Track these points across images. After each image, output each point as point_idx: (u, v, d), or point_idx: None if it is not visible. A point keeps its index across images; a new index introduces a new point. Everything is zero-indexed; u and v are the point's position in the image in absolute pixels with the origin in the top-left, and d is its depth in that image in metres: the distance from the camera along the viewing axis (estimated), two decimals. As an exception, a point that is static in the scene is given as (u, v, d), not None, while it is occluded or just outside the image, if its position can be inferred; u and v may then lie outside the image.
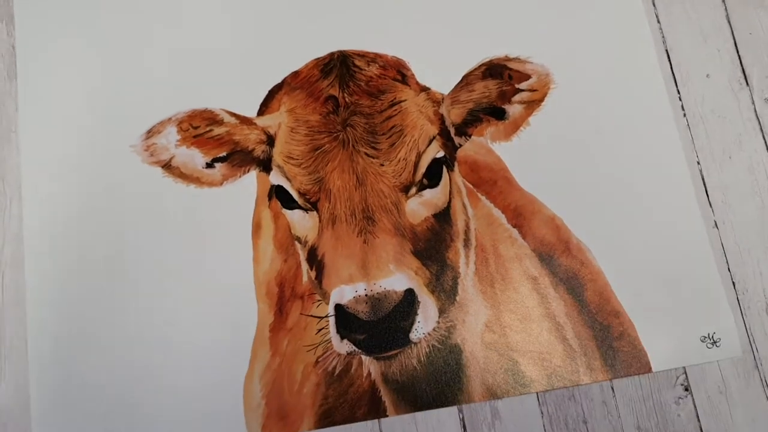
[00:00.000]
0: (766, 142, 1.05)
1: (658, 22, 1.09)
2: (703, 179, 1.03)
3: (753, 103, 1.07)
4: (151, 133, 0.96)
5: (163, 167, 0.95)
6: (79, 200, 0.94)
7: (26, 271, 0.89)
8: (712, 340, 0.96)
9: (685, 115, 1.06)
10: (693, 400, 0.95)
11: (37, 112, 0.96)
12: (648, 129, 1.04)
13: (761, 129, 1.06)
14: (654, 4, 1.10)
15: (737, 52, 1.09)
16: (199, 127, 0.96)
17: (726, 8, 1.10)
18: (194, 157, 0.96)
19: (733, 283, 0.99)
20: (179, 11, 1.05)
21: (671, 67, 1.07)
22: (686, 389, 0.95)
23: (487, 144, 1.03)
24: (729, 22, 1.10)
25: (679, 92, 1.07)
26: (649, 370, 0.95)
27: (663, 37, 1.08)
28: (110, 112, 0.99)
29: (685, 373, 0.96)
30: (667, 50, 1.08)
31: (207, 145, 0.96)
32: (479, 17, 1.09)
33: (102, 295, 0.92)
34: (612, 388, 0.95)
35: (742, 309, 0.99)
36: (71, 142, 0.97)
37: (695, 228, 1.00)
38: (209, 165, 0.96)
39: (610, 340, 0.96)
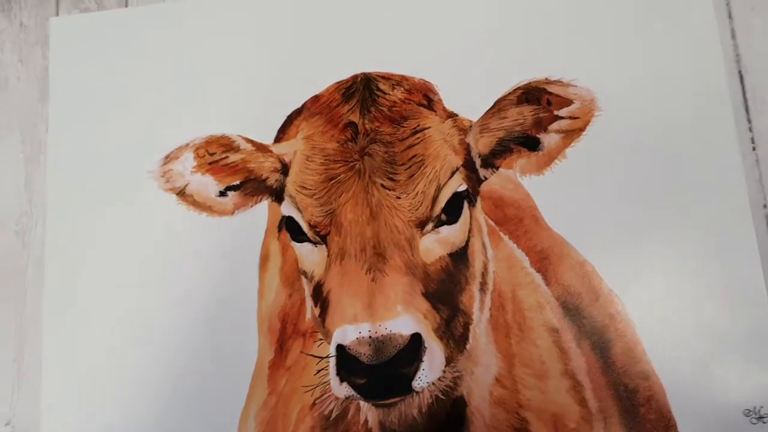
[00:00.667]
0: None
1: (733, 38, 0.94)
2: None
3: None
4: (168, 158, 0.96)
5: (177, 194, 0.95)
6: (100, 225, 0.97)
7: (45, 295, 0.94)
8: (758, 415, 0.85)
9: (755, 149, 0.92)
10: (729, 482, 0.84)
11: (67, 136, 0.99)
12: (706, 164, 0.91)
13: None
14: (730, 16, 0.95)
15: (827, 73, 0.92)
16: (215, 153, 0.95)
17: (819, 19, 0.94)
18: (208, 185, 0.94)
19: (794, 350, 0.86)
20: (202, 35, 1.03)
21: (743, 92, 0.93)
22: (722, 469, 0.85)
23: (515, 178, 0.95)
24: (821, 36, 0.93)
25: (750, 122, 0.92)
26: (678, 443, 0.85)
27: (737, 55, 0.94)
28: (134, 136, 1.00)
29: (722, 450, 0.85)
30: (740, 72, 0.93)
31: (221, 173, 0.95)
32: (516, 35, 0.99)
33: (114, 320, 0.95)
34: (633, 460, 0.86)
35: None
36: (97, 166, 0.99)
37: (754, 286, 0.88)
38: (222, 193, 0.95)
39: (635, 405, 0.87)
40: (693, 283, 0.89)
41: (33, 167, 0.97)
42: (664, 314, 0.88)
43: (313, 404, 0.91)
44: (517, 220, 0.95)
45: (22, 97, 0.99)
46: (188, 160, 0.95)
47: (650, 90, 0.94)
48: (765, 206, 0.91)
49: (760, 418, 0.85)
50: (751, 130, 0.92)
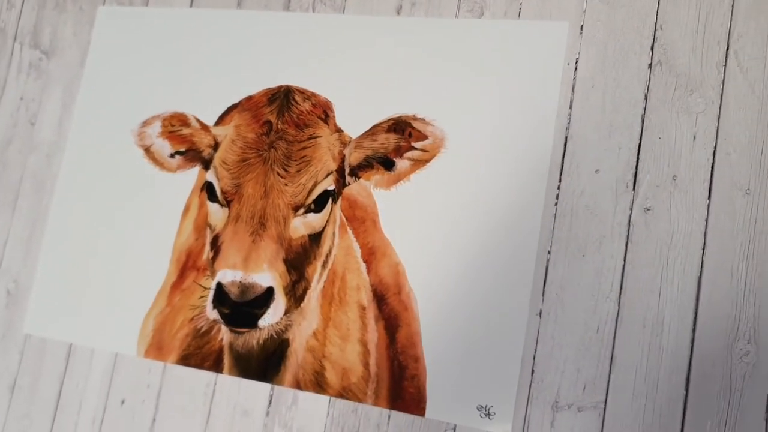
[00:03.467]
0: (626, 251, 1.05)
1: (570, 108, 1.11)
2: (547, 268, 1.08)
3: (631, 209, 1.06)
4: (145, 123, 1.33)
5: (144, 150, 1.31)
6: (104, 155, 1.36)
7: (54, 200, 1.35)
8: (486, 412, 1.06)
9: (556, 203, 1.10)
10: (451, 453, 1.07)
11: (93, 92, 1.39)
12: (514, 213, 1.11)
13: (627, 236, 1.05)
14: (573, 89, 1.12)
15: (638, 154, 1.07)
16: (174, 125, 1.30)
17: (646, 105, 1.08)
18: (164, 147, 1.30)
19: (533, 370, 1.06)
20: (184, 38, 1.37)
21: (563, 155, 1.11)
22: (449, 443, 1.08)
23: (369, 188, 1.20)
24: (642, 120, 1.08)
25: (560, 181, 1.10)
26: (423, 414, 1.09)
27: (569, 123, 1.11)
28: (137, 102, 1.37)
29: (455, 429, 1.08)
30: (566, 137, 1.11)
31: (175, 140, 1.29)
32: (405, 77, 1.22)
33: (88, 227, 1.34)
34: (389, 417, 1.11)
35: (531, 395, 1.05)
36: (109, 117, 1.37)
37: (519, 308, 1.08)
38: (172, 156, 1.30)
39: (402, 378, 1.12)
40: (472, 294, 1.11)
41: (66, 111, 1.39)
42: (446, 316, 1.11)
43: (192, 319, 1.26)
44: (361, 221, 1.21)
45: (69, 60, 1.40)
46: (156, 127, 1.31)
47: (490, 143, 1.15)
48: (549, 252, 1.09)
49: (488, 414, 1.06)
50: (559, 188, 1.10)
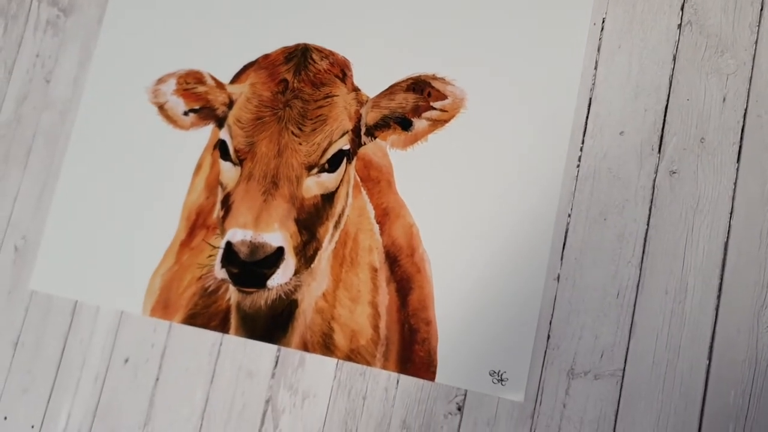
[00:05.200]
0: (649, 215, 1.01)
1: (595, 68, 1.08)
2: (566, 232, 1.05)
3: (656, 172, 1.02)
4: (160, 80, 1.31)
5: (158, 107, 1.29)
6: (118, 113, 1.34)
7: (67, 156, 1.33)
8: (499, 378, 1.02)
9: (578, 166, 1.06)
10: (461, 420, 1.03)
11: (109, 48, 1.37)
12: (534, 174, 1.07)
13: (651, 200, 1.02)
14: (599, 50, 1.08)
15: (665, 116, 1.03)
16: (189, 83, 1.28)
17: (674, 66, 1.04)
18: (179, 105, 1.28)
19: (548, 335, 1.02)
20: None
21: (587, 117, 1.07)
22: (459, 409, 1.04)
23: (385, 148, 1.17)
24: (670, 82, 1.04)
25: (583, 143, 1.07)
26: (433, 379, 1.05)
27: (593, 85, 1.08)
28: (148, 57, 1.35)
29: (465, 395, 1.04)
30: (590, 98, 1.07)
31: (189, 98, 1.27)
32: (426, 36, 1.20)
33: (99, 184, 1.32)
34: (397, 381, 1.08)
35: (546, 361, 1.02)
36: (124, 73, 1.36)
37: (536, 273, 1.04)
38: (185, 113, 1.28)
39: (412, 342, 1.08)
40: (490, 261, 1.07)
41: (81, 69, 1.37)
42: (459, 280, 1.08)
43: (200, 278, 1.23)
44: (376, 181, 1.18)
45: (86, 17, 1.39)
46: (171, 84, 1.29)
47: (511, 102, 1.11)
48: (569, 215, 1.05)
49: (501, 380, 1.02)
50: (581, 150, 1.07)
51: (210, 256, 1.23)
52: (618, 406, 0.98)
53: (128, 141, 1.32)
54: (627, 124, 1.05)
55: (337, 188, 1.17)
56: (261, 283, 1.13)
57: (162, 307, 1.24)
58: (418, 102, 1.16)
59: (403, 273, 1.13)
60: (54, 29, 1.41)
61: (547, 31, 1.11)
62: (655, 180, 1.02)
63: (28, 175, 1.36)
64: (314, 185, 1.16)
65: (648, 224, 1.01)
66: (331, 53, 1.24)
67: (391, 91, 1.18)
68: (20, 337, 1.29)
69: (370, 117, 1.18)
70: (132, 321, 1.24)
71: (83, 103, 1.36)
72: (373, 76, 1.21)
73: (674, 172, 1.01)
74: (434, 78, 1.17)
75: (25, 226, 1.33)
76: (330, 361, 1.12)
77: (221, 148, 1.23)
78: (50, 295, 1.29)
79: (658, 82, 1.04)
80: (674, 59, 1.04)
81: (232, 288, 1.20)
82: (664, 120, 1.03)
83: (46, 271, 1.30)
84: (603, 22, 1.08)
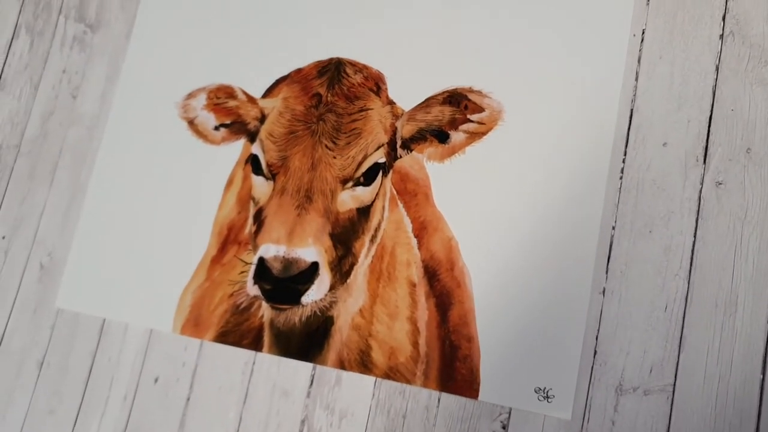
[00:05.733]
0: (696, 226, 1.00)
1: (636, 80, 1.07)
2: (611, 244, 1.03)
3: (702, 183, 1.01)
4: (190, 95, 1.30)
5: (188, 122, 1.28)
6: (147, 127, 1.33)
7: (95, 170, 1.32)
8: (545, 395, 1.00)
9: (621, 177, 1.05)
10: (506, 438, 1.01)
11: (138, 64, 1.36)
12: (576, 187, 1.06)
13: (698, 211, 1.00)
14: (639, 61, 1.07)
15: (709, 126, 1.02)
16: (220, 98, 1.27)
17: (717, 77, 1.03)
18: (209, 120, 1.26)
19: (595, 351, 1.00)
20: (232, 10, 1.34)
21: (629, 128, 1.06)
22: (504, 428, 1.01)
23: (422, 161, 1.16)
24: (714, 92, 1.03)
25: (625, 154, 1.05)
26: (476, 397, 1.03)
27: (635, 95, 1.06)
28: (179, 73, 1.34)
29: (510, 413, 1.01)
30: (632, 110, 1.06)
31: (220, 113, 1.26)
32: (461, 48, 1.19)
33: (128, 200, 1.30)
34: (439, 399, 1.05)
35: (593, 377, 0.99)
36: (152, 88, 1.35)
37: (581, 286, 1.02)
38: (216, 128, 1.26)
39: (453, 359, 1.06)
40: (531, 274, 1.05)
41: (109, 84, 1.36)
42: (501, 294, 1.06)
43: (231, 295, 1.21)
44: (413, 194, 1.16)
45: (115, 33, 1.38)
46: (201, 99, 1.28)
47: (550, 114, 1.10)
48: (613, 228, 1.04)
49: (547, 397, 1.00)
50: (624, 161, 1.05)
51: (242, 272, 1.21)
52: (669, 423, 0.95)
53: (157, 156, 1.30)
54: (670, 135, 1.03)
55: (373, 202, 1.15)
56: (295, 300, 1.11)
57: (193, 325, 1.22)
58: (455, 115, 1.15)
59: (442, 288, 1.11)
60: (81, 45, 1.40)
61: (584, 43, 1.10)
62: (701, 191, 1.00)
63: (54, 191, 1.34)
64: (349, 199, 1.14)
65: (695, 236, 0.99)
66: (365, 67, 1.23)
67: (427, 104, 1.16)
68: (46, 357, 1.26)
69: (405, 130, 1.17)
70: (162, 339, 1.22)
71: (111, 118, 1.35)
72: (408, 90, 1.20)
73: (720, 183, 1.00)
74: (471, 91, 1.16)
75: (51, 243, 1.31)
76: (368, 380, 1.10)
77: (253, 162, 1.21)
78: (77, 313, 1.26)
79: (702, 92, 1.03)
80: (717, 69, 1.03)
81: (264, 305, 1.18)
82: (709, 130, 1.02)
83: (73, 288, 1.28)
84: (643, 33, 1.08)
